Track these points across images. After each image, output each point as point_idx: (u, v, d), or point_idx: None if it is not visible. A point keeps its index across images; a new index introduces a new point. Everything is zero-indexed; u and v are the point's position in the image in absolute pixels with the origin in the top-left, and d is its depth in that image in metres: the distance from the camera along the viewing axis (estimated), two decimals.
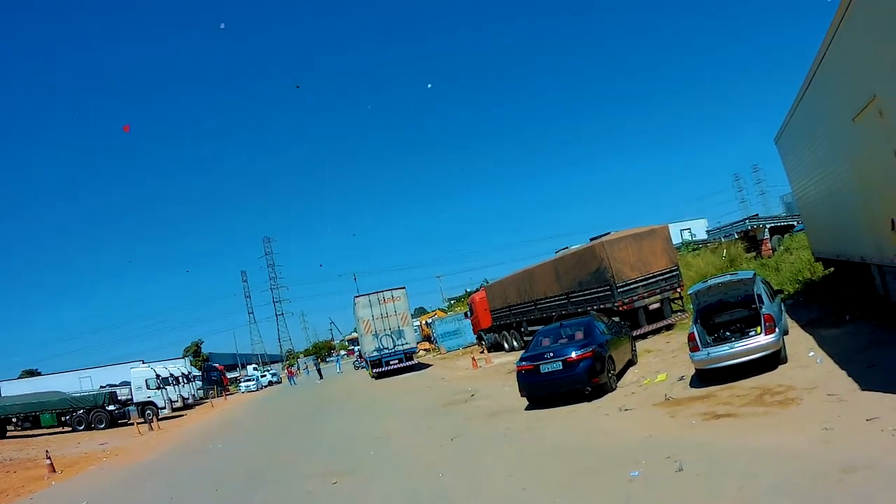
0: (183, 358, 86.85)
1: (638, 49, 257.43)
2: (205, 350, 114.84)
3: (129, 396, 56.37)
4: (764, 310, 16.90)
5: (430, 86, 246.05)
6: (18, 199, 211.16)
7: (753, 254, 44.93)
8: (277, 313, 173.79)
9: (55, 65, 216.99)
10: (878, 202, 14.30)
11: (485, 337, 51.47)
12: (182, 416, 58.29)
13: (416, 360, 53.94)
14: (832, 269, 24.64)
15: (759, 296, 17.75)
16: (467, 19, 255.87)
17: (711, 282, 19.30)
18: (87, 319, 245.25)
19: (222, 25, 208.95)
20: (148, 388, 56.96)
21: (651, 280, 30.73)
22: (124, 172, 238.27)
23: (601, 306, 30.40)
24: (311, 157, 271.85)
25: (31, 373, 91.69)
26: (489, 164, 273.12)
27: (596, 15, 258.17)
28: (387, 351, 50.59)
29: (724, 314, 19.18)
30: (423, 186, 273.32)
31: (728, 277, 19.08)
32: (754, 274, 18.95)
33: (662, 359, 23.22)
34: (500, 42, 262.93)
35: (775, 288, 22.67)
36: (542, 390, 20.41)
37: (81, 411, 52.94)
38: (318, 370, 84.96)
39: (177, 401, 61.12)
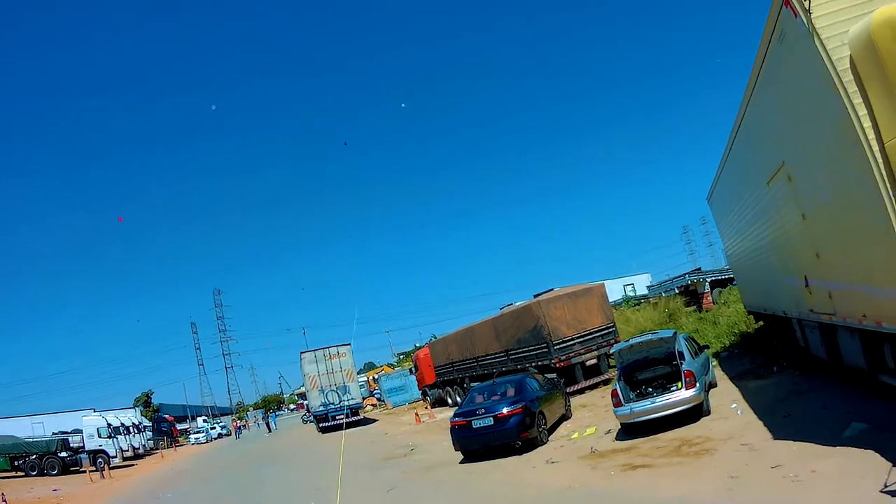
0: (133, 408, 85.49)
1: (585, 102, 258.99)
2: (155, 401, 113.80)
3: (81, 444, 55.64)
4: (684, 366, 17.70)
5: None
6: None
7: (694, 307, 45.59)
8: (227, 366, 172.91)
9: None
10: (793, 261, 15.20)
11: (429, 392, 51.77)
12: (132, 465, 57.49)
13: (361, 416, 54.05)
14: (762, 322, 25.40)
15: (681, 353, 18.52)
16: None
17: (633, 341, 20.04)
18: (36, 364, 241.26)
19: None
20: (99, 436, 56.35)
21: (587, 337, 31.39)
22: (78, 219, 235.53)
23: (539, 363, 30.96)
24: (263, 212, 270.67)
25: None
26: (438, 220, 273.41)
27: (542, 71, 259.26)
28: (332, 406, 50.66)
29: (647, 371, 19.87)
30: (374, 240, 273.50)
31: (649, 336, 19.84)
32: (675, 332, 19.75)
33: (595, 413, 23.80)
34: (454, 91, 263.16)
35: (701, 343, 23.48)
36: (474, 444, 21.00)
37: (34, 457, 52.34)
38: (267, 423, 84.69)
39: (127, 450, 60.30)
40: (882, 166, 8.79)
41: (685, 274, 52.18)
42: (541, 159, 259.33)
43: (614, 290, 62.27)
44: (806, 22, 9.51)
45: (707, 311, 42.23)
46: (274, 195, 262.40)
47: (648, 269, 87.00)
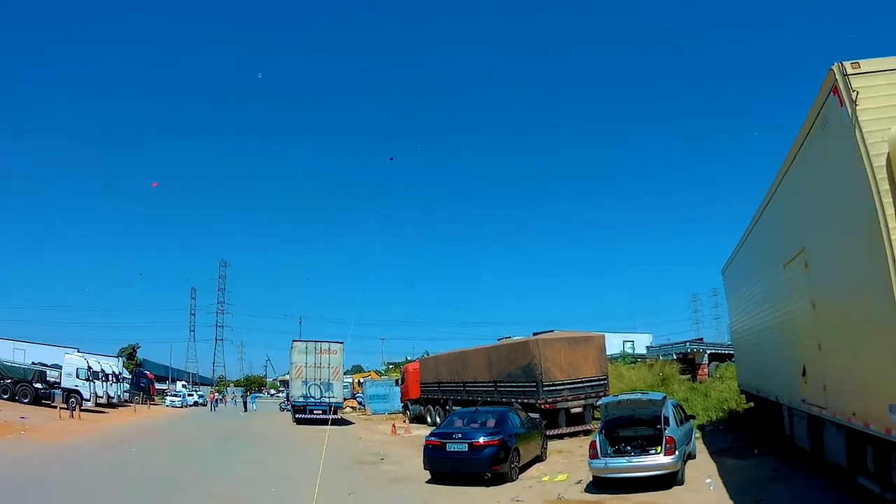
0: (117, 357, 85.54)
1: (613, 152, 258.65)
2: (140, 355, 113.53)
3: (58, 380, 55.99)
4: (667, 432, 17.61)
5: (392, 159, 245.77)
6: None
7: (689, 376, 45.47)
8: (218, 338, 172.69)
9: None
10: (796, 348, 15.13)
11: (410, 407, 51.56)
12: (103, 412, 57.53)
13: (339, 416, 53.86)
14: (752, 403, 25.29)
15: (666, 417, 18.44)
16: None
17: (622, 397, 20.04)
18: (30, 292, 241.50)
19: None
20: (78, 376, 56.59)
21: (578, 385, 31.28)
22: (97, 164, 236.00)
23: (525, 401, 30.81)
24: (285, 192, 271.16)
25: None
26: (455, 238, 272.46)
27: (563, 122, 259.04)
28: (313, 400, 50.36)
29: (630, 429, 19.67)
30: (388, 246, 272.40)
31: (639, 396, 19.85)
32: (664, 397, 19.67)
33: (570, 461, 23.66)
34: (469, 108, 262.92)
35: (688, 413, 23.32)
36: (445, 467, 20.86)
37: (9, 381, 53.34)
38: (244, 402, 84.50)
39: (102, 397, 60.52)
40: None
41: (686, 342, 52.17)
42: (566, 200, 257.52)
43: (614, 343, 62.00)
44: (850, 112, 9.46)
45: (701, 383, 42.16)
46: (299, 181, 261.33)
47: (651, 330, 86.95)
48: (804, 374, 14.27)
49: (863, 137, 9.30)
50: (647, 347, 61.53)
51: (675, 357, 49.64)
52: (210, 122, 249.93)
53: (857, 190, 9.52)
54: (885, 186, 9.00)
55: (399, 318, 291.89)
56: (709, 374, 44.57)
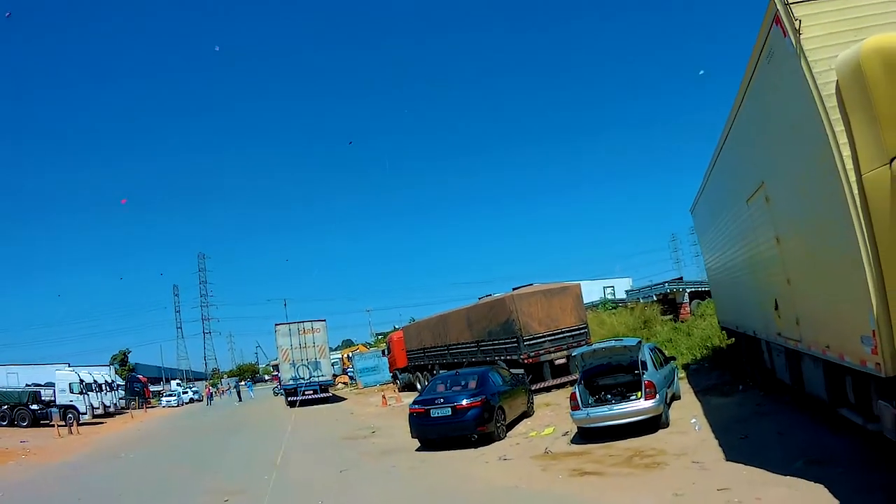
0: (108, 366, 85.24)
1: (583, 108, 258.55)
2: (131, 360, 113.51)
3: (53, 398, 55.70)
4: (646, 376, 17.59)
5: (350, 143, 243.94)
6: None
7: (671, 316, 45.55)
8: (205, 331, 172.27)
9: None
10: (765, 283, 15.12)
11: (399, 376, 51.63)
12: (102, 423, 57.52)
13: (331, 393, 53.80)
14: (733, 339, 25.34)
15: (644, 362, 18.41)
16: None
17: (597, 346, 19.96)
18: (14, 314, 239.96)
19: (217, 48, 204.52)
20: (71, 391, 56.46)
21: (558, 336, 31.29)
22: (68, 172, 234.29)
23: (508, 357, 30.94)
24: (254, 181, 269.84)
25: None
26: (431, 207, 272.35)
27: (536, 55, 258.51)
28: (303, 381, 50.34)
29: (609, 377, 19.67)
30: (363, 219, 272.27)
31: (613, 343, 19.73)
32: (639, 342, 19.55)
33: (557, 413, 23.61)
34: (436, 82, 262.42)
35: (668, 355, 23.36)
36: (431, 433, 20.85)
37: (6, 407, 53.13)
38: (238, 392, 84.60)
39: (98, 408, 60.50)
40: (857, 197, 8.60)
41: (665, 282, 52.19)
42: (535, 159, 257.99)
43: (593, 290, 62.09)
44: (794, 42, 9.31)
45: (683, 322, 42.23)
46: (267, 166, 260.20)
47: (633, 273, 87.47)
48: (776, 307, 14.23)
49: (809, 67, 9.15)
50: (627, 292, 61.58)
51: (655, 298, 49.70)
52: (174, 124, 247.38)
53: (808, 120, 9.38)
54: (835, 115, 8.87)
55: (383, 289, 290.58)
56: (691, 313, 44.61)
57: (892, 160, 8.00)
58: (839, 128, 8.79)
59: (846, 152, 8.70)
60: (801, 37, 9.22)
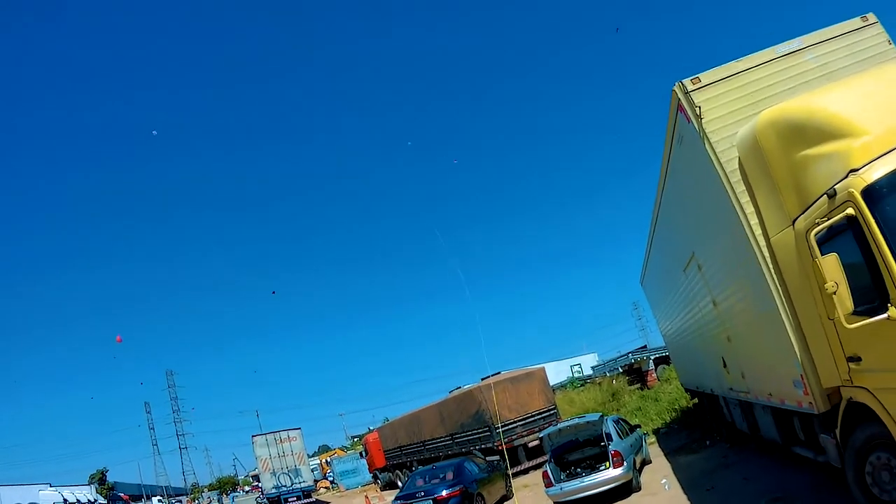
0: (88, 485, 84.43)
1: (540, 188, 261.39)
2: (109, 479, 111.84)
3: None
4: (612, 447, 18.37)
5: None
6: None
7: (638, 385, 46.24)
8: (181, 446, 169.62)
9: None
10: (712, 343, 16.20)
11: (380, 476, 51.75)
12: None
13: (314, 498, 53.77)
14: (696, 399, 26.17)
15: (608, 434, 19.18)
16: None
17: (561, 426, 20.80)
18: None
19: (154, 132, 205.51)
20: None
21: (529, 419, 31.85)
22: (34, 289, 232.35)
23: (483, 446, 31.40)
24: (217, 295, 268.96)
25: None
26: (390, 304, 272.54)
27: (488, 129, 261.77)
28: (285, 488, 50.30)
29: (577, 452, 20.43)
30: (328, 324, 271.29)
31: (577, 421, 20.55)
32: (601, 416, 20.43)
33: (536, 493, 24.11)
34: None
35: (633, 423, 24.14)
36: None
37: None
38: None
39: None
40: (769, 259, 9.66)
41: (629, 353, 53.03)
42: (493, 242, 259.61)
43: (561, 370, 62.96)
44: (697, 127, 10.43)
45: (651, 389, 42.95)
46: (225, 278, 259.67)
47: (600, 346, 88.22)
48: (724, 365, 15.25)
49: (713, 147, 10.29)
50: (593, 367, 62.40)
51: (621, 370, 50.46)
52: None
53: (719, 194, 10.50)
54: (740, 188, 10.01)
55: (354, 393, 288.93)
56: (657, 379, 45.33)
57: (793, 221, 8.99)
58: (745, 199, 9.92)
59: (754, 220, 9.80)
60: (703, 120, 10.36)
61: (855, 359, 8.13)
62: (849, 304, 7.59)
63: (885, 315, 7.14)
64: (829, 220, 7.93)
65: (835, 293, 7.61)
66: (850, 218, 7.54)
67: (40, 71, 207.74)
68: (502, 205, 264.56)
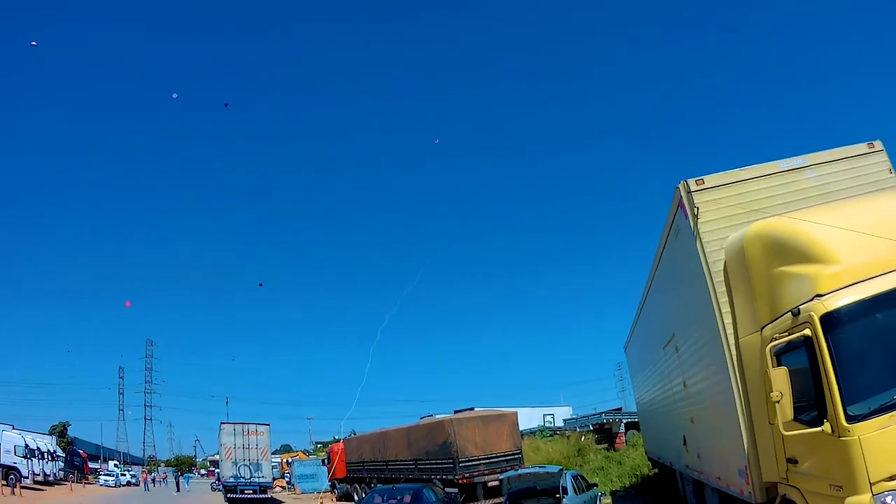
0: (49, 435, 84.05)
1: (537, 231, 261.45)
2: (70, 434, 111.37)
3: None
4: (565, 500, 19.25)
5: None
6: None
7: (606, 445, 46.95)
8: (147, 417, 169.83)
9: None
10: (678, 421, 17.15)
11: (338, 486, 52.20)
12: (42, 490, 56.52)
13: (269, 495, 54.10)
14: (656, 469, 26.98)
15: (565, 487, 19.99)
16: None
17: (522, 471, 21.71)
18: None
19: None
20: (16, 454, 55.11)
21: (493, 459, 32.36)
22: (29, 232, 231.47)
23: (444, 477, 32.05)
24: (207, 274, 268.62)
25: None
26: (373, 325, 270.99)
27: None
28: (243, 480, 50.57)
29: (532, 500, 21.17)
30: (311, 330, 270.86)
31: (537, 469, 21.44)
32: (561, 469, 21.36)
33: None
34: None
35: (591, 482, 24.90)
36: None
37: None
38: (177, 482, 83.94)
39: (39, 474, 59.15)
40: (735, 357, 10.59)
41: (602, 412, 53.79)
42: (488, 289, 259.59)
43: (534, 417, 63.75)
44: (692, 225, 11.37)
45: (617, 451, 43.70)
46: (224, 262, 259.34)
47: (578, 400, 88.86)
48: (685, 443, 16.20)
49: (703, 247, 11.24)
50: (565, 420, 63.10)
51: (591, 428, 51.28)
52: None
53: (702, 290, 11.46)
54: (721, 288, 10.96)
55: (325, 399, 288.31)
56: (626, 442, 46.00)
57: (762, 328, 9.86)
58: (724, 299, 10.86)
59: (728, 319, 10.74)
60: (699, 221, 11.31)
61: (792, 461, 9.02)
62: (788, 414, 8.44)
63: (820, 428, 8.03)
64: (789, 335, 8.79)
65: (778, 402, 8.45)
66: (806, 338, 8.38)
67: None
68: (496, 259, 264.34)
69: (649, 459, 29.49)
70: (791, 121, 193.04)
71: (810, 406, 8.40)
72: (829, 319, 8.20)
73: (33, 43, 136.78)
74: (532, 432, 55.55)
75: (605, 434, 49.67)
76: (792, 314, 8.71)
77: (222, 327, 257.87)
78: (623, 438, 47.27)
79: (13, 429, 61.89)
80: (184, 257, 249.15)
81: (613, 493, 29.93)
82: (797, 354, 8.66)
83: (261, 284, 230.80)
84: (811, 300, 8.55)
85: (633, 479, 32.73)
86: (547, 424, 63.44)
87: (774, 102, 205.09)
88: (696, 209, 11.33)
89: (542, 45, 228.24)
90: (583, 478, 23.40)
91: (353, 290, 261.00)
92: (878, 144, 12.13)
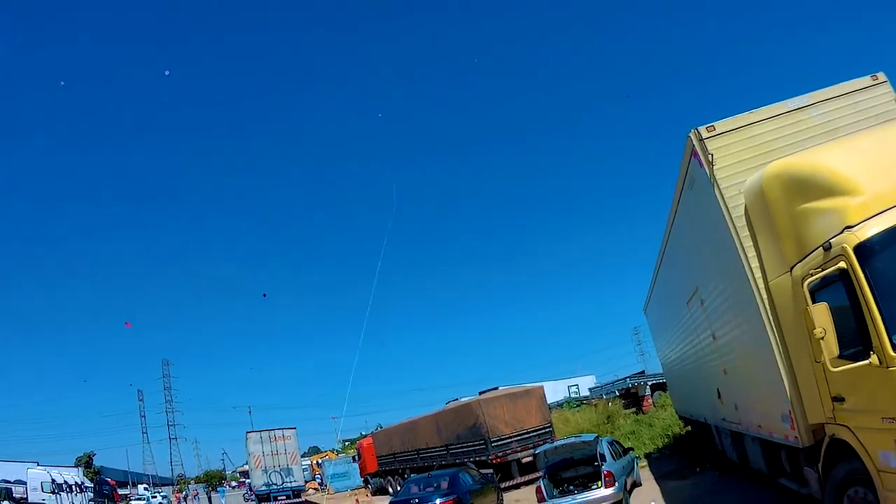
0: (75, 467, 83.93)
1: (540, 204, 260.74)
2: (96, 463, 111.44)
3: (24, 496, 54.40)
4: (605, 467, 19.09)
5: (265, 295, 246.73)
6: None
7: (634, 409, 46.73)
8: (171, 437, 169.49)
9: None
10: (708, 374, 16.88)
11: (371, 481, 52.13)
12: None
13: (303, 498, 54.07)
14: (689, 427, 26.78)
15: (602, 454, 19.89)
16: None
17: (558, 443, 21.52)
18: None
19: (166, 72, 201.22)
20: (43, 490, 54.96)
21: (524, 436, 32.50)
22: (36, 271, 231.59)
23: (477, 458, 31.91)
24: (216, 290, 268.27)
25: None
26: (389, 316, 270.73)
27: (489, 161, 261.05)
28: (275, 487, 50.61)
29: (571, 470, 21.09)
30: (326, 327, 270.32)
31: (573, 440, 21.22)
32: (596, 436, 21.17)
33: None
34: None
35: (626, 446, 24.71)
36: None
37: None
38: (209, 498, 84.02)
39: None
40: (766, 300, 10.36)
41: (626, 377, 53.56)
42: (494, 265, 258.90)
43: (558, 390, 63.60)
44: (708, 173, 11.13)
45: (645, 414, 43.45)
46: (228, 278, 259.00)
47: (599, 369, 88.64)
48: (719, 396, 15.98)
49: (721, 194, 11.01)
50: (590, 389, 62.91)
51: (617, 394, 51.16)
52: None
53: (724, 237, 11.23)
54: (744, 233, 10.72)
55: (348, 397, 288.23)
56: (653, 404, 45.74)
57: (791, 268, 9.65)
58: (748, 243, 10.62)
59: (755, 264, 10.50)
60: (714, 167, 11.07)
61: (839, 399, 8.79)
62: (834, 350, 8.24)
63: (867, 361, 7.82)
64: (823, 270, 8.58)
65: (822, 339, 8.25)
66: (842, 271, 8.16)
67: None
68: (509, 232, 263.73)
69: (680, 418, 29.36)
70: (790, 63, 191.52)
71: (852, 340, 8.17)
72: (863, 249, 7.99)
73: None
74: (559, 405, 55.46)
75: (631, 398, 49.34)
76: (823, 249, 8.49)
77: (235, 339, 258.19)
78: (650, 401, 46.89)
79: (37, 465, 61.87)
80: (185, 274, 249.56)
81: (648, 456, 29.76)
82: (834, 289, 8.44)
83: (265, 294, 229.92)
84: (841, 232, 8.32)
85: (666, 440, 32.59)
86: (573, 395, 63.35)
87: (774, 45, 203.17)
88: (710, 156, 11.10)
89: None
90: (618, 443, 23.27)
91: (363, 286, 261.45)
92: (882, 76, 11.88)
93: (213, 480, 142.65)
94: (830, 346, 8.25)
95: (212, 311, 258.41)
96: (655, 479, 23.69)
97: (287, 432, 52.79)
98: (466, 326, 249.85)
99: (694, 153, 11.79)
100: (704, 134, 11.36)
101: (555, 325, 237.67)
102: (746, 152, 11.20)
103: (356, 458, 59.52)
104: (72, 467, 78.08)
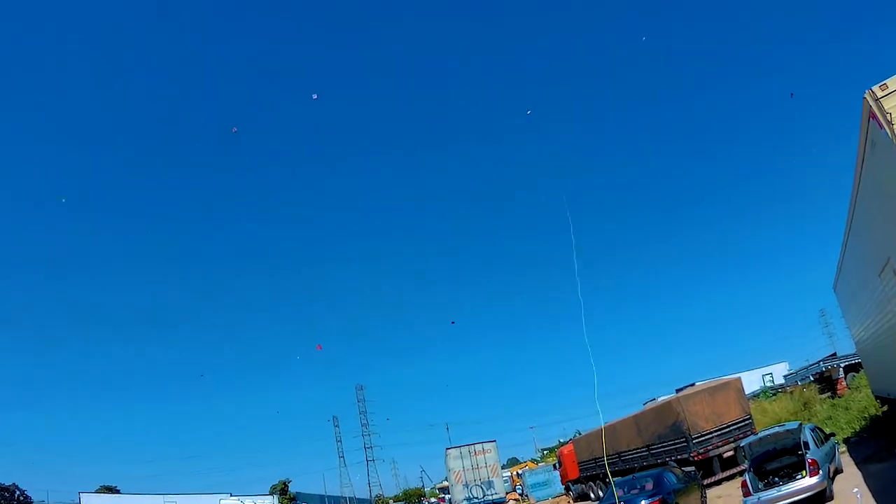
0: (270, 495, 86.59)
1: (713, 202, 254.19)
2: (291, 489, 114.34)
3: None
4: (809, 455, 18.57)
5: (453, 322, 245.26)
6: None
7: (829, 394, 45.32)
8: (368, 459, 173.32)
9: None
10: None
11: (572, 487, 52.01)
12: None
13: None
14: (886, 406, 25.61)
15: (806, 443, 19.34)
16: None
17: (762, 434, 21.16)
18: (169, 445, 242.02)
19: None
20: None
21: (725, 430, 31.70)
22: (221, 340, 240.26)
23: (678, 457, 31.43)
24: (406, 310, 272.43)
25: (110, 489, 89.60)
26: (577, 317, 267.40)
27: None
28: (476, 500, 51.35)
29: (775, 461, 20.57)
30: (520, 337, 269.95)
31: (776, 429, 20.82)
32: (800, 424, 20.58)
33: (729, 503, 24.17)
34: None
35: (828, 432, 23.82)
36: None
37: None
38: None
39: None
40: None
41: (819, 361, 51.96)
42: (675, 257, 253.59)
43: (753, 380, 61.92)
44: (890, 133, 10.49)
45: (841, 397, 42.01)
46: (412, 296, 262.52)
47: (789, 356, 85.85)
48: None
49: None
50: (785, 376, 61.17)
51: (812, 379, 49.74)
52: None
53: None
54: None
55: (544, 406, 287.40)
56: (847, 387, 44.31)
57: None
58: None
59: None
60: (895, 127, 10.36)
61: None
62: None
63: None
64: None
65: None
66: None
67: None
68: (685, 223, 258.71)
69: (877, 398, 28.19)
70: None
71: None
72: None
73: (234, 129, 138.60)
74: (755, 395, 54.16)
75: (826, 382, 47.87)
76: None
77: (430, 356, 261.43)
78: (844, 383, 45.35)
79: (230, 496, 63.82)
80: (375, 298, 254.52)
81: (846, 440, 28.51)
82: None
83: (453, 322, 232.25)
84: None
85: (863, 423, 31.09)
86: (767, 385, 61.74)
87: None
88: (888, 115, 10.49)
89: None
90: (820, 429, 22.47)
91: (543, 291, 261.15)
92: None
93: (411, 499, 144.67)
94: None
95: (408, 331, 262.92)
96: (856, 463, 22.70)
97: (487, 445, 53.76)
98: (658, 321, 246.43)
99: (872, 114, 11.20)
100: (879, 93, 10.76)
101: (742, 316, 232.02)
102: None
103: (556, 465, 59.60)
104: (267, 496, 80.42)
